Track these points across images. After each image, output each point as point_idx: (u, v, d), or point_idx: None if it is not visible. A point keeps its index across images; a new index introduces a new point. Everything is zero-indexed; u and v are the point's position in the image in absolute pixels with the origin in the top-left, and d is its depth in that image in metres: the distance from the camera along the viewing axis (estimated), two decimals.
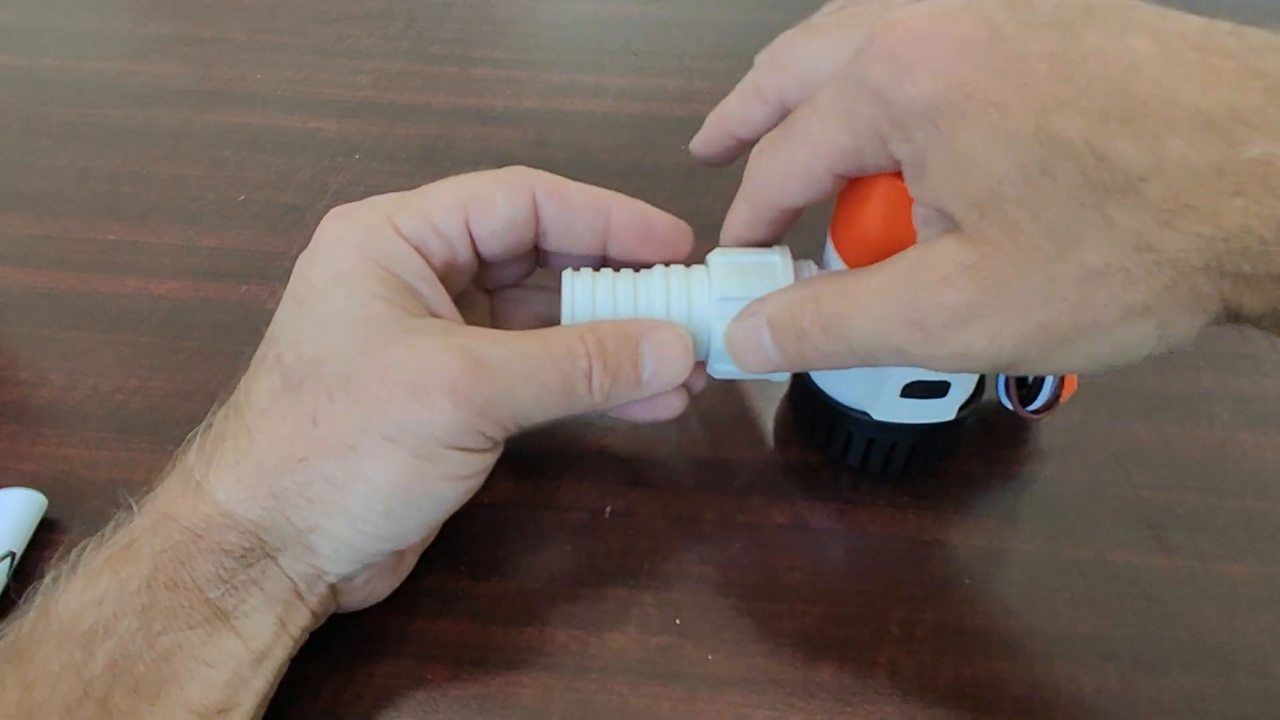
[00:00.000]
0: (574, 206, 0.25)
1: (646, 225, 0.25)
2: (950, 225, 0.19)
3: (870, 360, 0.21)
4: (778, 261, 0.25)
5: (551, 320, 0.28)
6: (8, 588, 0.25)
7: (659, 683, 0.25)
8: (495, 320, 0.28)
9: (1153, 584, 0.27)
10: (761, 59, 0.24)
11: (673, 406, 0.26)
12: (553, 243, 0.25)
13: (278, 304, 0.23)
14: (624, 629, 0.26)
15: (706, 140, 0.27)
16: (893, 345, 0.20)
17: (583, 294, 0.25)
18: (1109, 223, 0.17)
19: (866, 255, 0.24)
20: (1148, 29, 0.17)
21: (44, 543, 0.27)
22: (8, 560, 0.25)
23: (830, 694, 0.24)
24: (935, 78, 0.18)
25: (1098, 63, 0.17)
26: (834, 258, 0.25)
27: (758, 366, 0.24)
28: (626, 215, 0.25)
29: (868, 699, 0.24)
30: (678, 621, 0.26)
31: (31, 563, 0.26)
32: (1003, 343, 0.19)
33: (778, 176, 0.23)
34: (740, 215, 0.25)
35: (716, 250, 0.25)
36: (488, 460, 0.23)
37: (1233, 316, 0.18)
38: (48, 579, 0.21)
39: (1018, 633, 0.26)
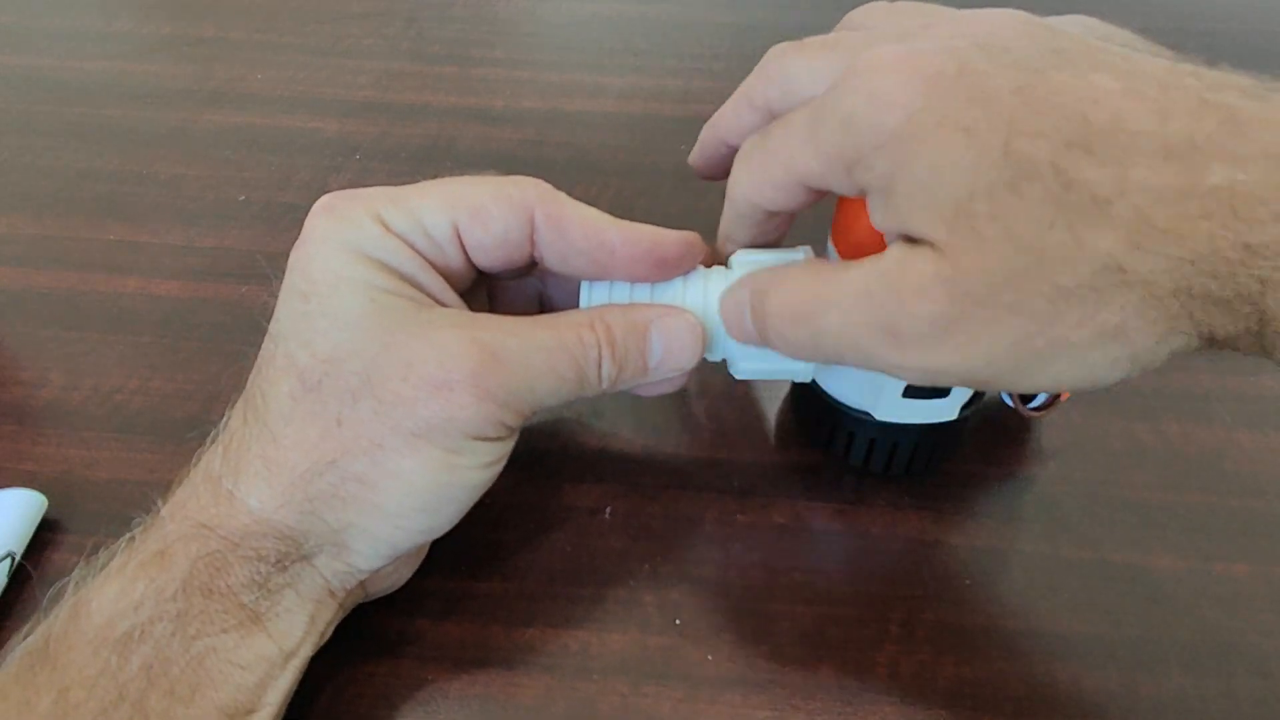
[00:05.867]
0: (572, 238, 0.23)
1: (656, 254, 0.24)
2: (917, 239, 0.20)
3: (835, 358, 0.21)
4: (800, 259, 0.25)
5: (551, 301, 0.29)
6: (9, 587, 0.25)
7: (659, 683, 0.25)
8: (494, 302, 0.28)
9: (1153, 584, 0.27)
10: (754, 71, 0.25)
11: (673, 383, 0.26)
12: (549, 265, 0.24)
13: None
14: (624, 629, 0.26)
15: (701, 150, 0.28)
16: (862, 349, 0.20)
17: (599, 304, 0.25)
18: (1079, 242, 0.17)
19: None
20: (1113, 69, 0.18)
21: (44, 543, 0.27)
22: (8, 560, 0.25)
23: (830, 694, 0.24)
24: (906, 107, 0.19)
25: (1061, 96, 0.18)
26: (835, 259, 0.25)
27: (735, 336, 0.24)
28: (634, 248, 0.24)
29: (868, 699, 0.24)
30: (678, 621, 0.26)
31: (32, 563, 0.26)
32: (975, 358, 0.19)
33: (754, 183, 0.23)
34: (727, 216, 0.25)
35: (741, 251, 0.25)
36: (509, 444, 0.24)
37: (1207, 340, 0.18)
38: (73, 580, 0.21)
39: (1018, 633, 0.26)
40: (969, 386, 0.20)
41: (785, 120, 0.22)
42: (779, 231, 0.25)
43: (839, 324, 0.21)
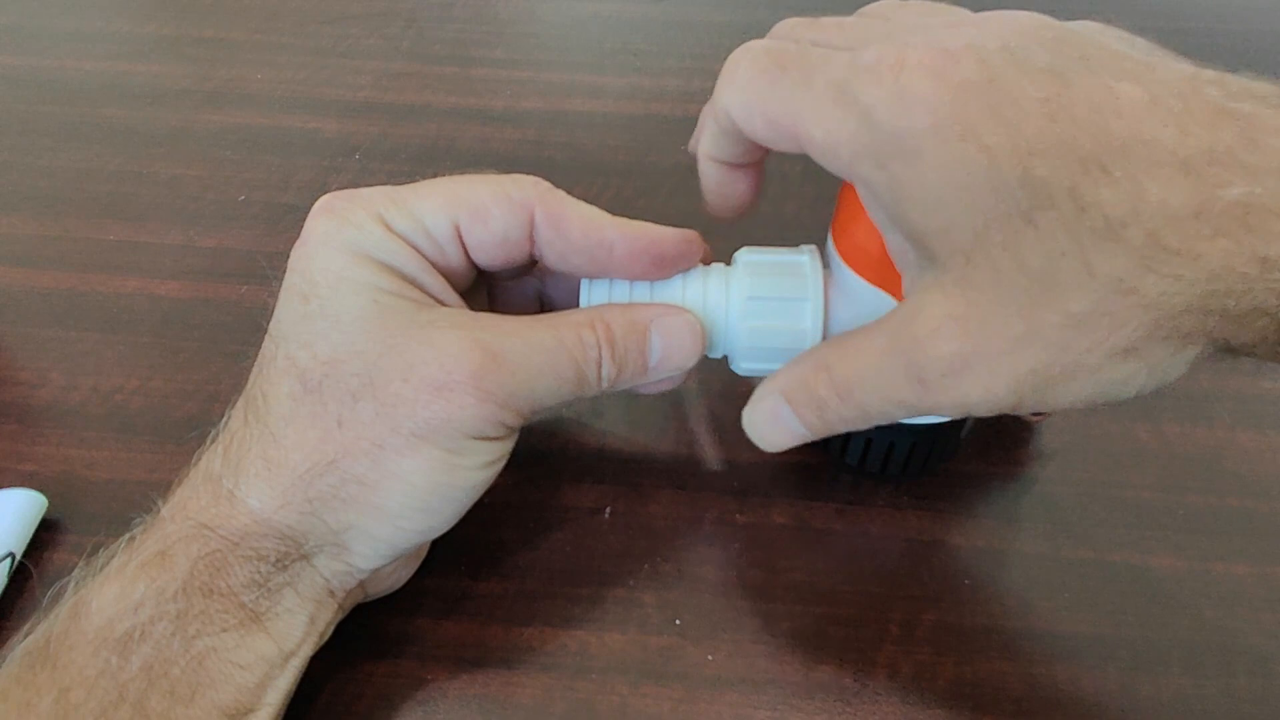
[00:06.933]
0: (572, 237, 0.23)
1: (655, 251, 0.24)
2: (928, 262, 0.20)
3: (886, 418, 0.22)
4: (805, 261, 0.25)
5: (550, 301, 0.29)
6: (9, 587, 0.25)
7: (659, 683, 0.25)
8: (493, 302, 0.28)
9: (1153, 584, 0.27)
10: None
11: (674, 381, 0.26)
12: (549, 263, 0.25)
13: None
14: (624, 629, 0.26)
15: (700, 133, 0.27)
16: (904, 403, 0.21)
17: (599, 302, 0.25)
18: (1090, 270, 0.17)
19: (866, 256, 0.24)
20: (1136, 77, 0.18)
21: (44, 543, 0.27)
22: (8, 561, 0.25)
23: (830, 694, 0.24)
24: (929, 114, 0.18)
25: (1084, 107, 0.18)
26: (835, 257, 0.25)
27: (785, 443, 0.24)
28: (633, 245, 0.24)
29: (868, 699, 0.24)
30: (678, 621, 0.26)
31: (32, 563, 0.26)
32: (997, 389, 0.19)
33: (746, 106, 0.22)
34: (705, 125, 0.24)
35: (745, 249, 0.25)
36: (509, 444, 0.24)
37: (1223, 349, 0.18)
38: (73, 580, 0.21)
39: (1018, 633, 0.26)
40: (1001, 413, 0.21)
41: (805, 67, 0.21)
42: (753, 157, 0.24)
43: (877, 389, 0.21)
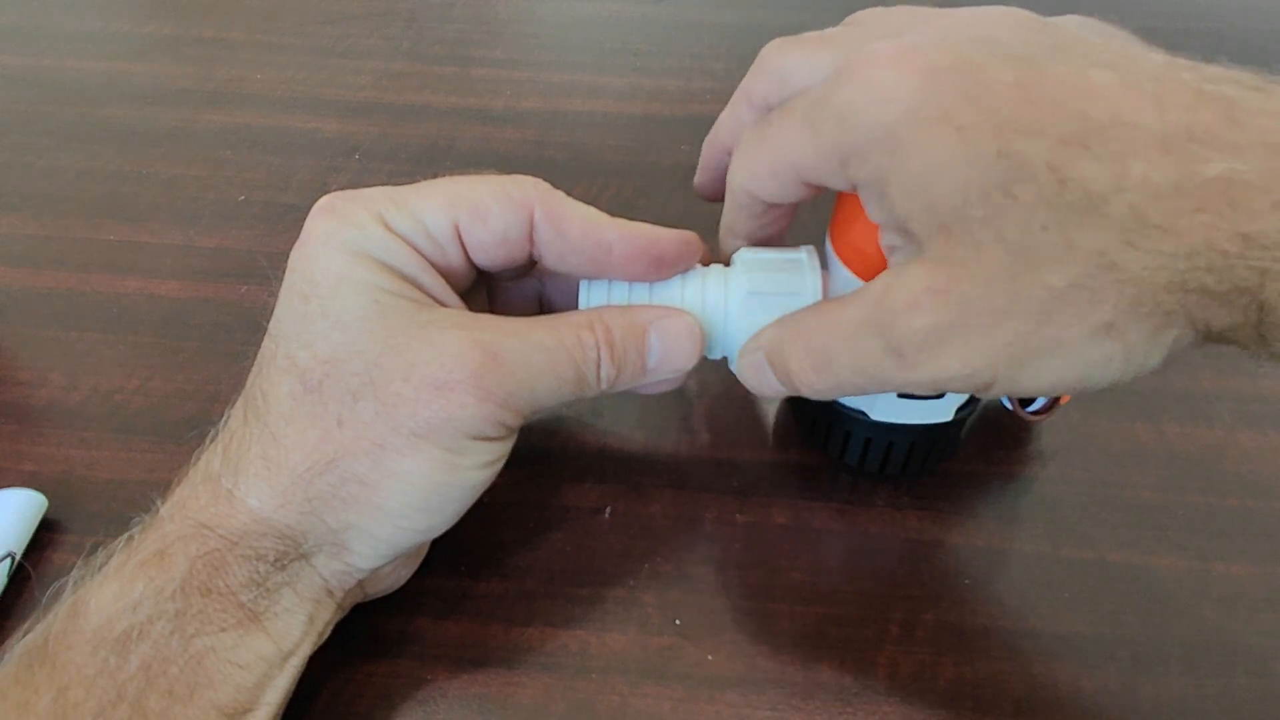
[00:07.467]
0: (572, 237, 0.24)
1: (654, 252, 0.24)
2: (915, 248, 0.20)
3: (861, 391, 0.22)
4: (803, 260, 0.25)
5: (550, 302, 0.29)
6: (9, 587, 0.25)
7: (659, 683, 0.25)
8: (493, 303, 0.28)
9: (1153, 584, 0.27)
10: (751, 68, 0.25)
11: (673, 382, 0.26)
12: (548, 264, 0.25)
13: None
14: (624, 629, 0.26)
15: (704, 170, 0.28)
16: (877, 376, 0.21)
17: (598, 303, 0.25)
18: (1070, 244, 0.17)
19: (863, 257, 0.24)
20: (1110, 64, 0.18)
21: (44, 543, 0.27)
22: (7, 561, 0.25)
23: (830, 694, 0.24)
24: (901, 101, 0.19)
25: (1059, 90, 0.18)
26: (833, 258, 0.25)
27: (772, 395, 0.25)
28: (632, 245, 0.24)
29: (868, 699, 0.24)
30: (678, 621, 0.26)
31: (32, 563, 0.26)
32: (974, 362, 0.19)
33: (751, 173, 0.23)
34: (728, 206, 0.25)
35: (744, 249, 0.25)
36: (509, 444, 0.24)
37: (1203, 334, 0.18)
38: (72, 579, 0.21)
39: (1018, 633, 0.26)
40: (975, 392, 0.21)
41: (784, 110, 0.22)
42: (779, 225, 0.25)
43: (852, 361, 0.21)
